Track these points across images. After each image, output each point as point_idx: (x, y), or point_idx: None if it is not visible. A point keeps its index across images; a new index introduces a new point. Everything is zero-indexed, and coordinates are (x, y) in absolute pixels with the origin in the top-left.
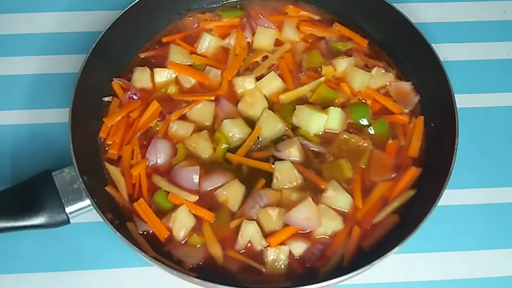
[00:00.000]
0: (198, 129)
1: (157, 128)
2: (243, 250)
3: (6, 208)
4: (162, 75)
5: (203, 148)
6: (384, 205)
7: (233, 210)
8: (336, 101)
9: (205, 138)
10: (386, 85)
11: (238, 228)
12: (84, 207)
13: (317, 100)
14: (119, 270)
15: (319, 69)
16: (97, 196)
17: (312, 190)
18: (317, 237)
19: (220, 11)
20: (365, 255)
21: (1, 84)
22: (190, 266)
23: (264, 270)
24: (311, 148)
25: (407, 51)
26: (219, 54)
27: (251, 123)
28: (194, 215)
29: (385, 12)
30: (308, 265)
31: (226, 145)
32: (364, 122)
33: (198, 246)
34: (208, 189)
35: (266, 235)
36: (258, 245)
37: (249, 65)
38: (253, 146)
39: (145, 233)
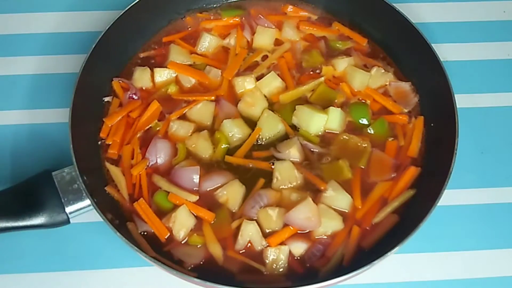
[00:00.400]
0: (198, 129)
1: (157, 128)
2: (243, 250)
3: (6, 208)
4: (162, 75)
5: (203, 148)
6: (384, 205)
7: (233, 210)
8: (336, 101)
9: (205, 138)
10: (386, 85)
11: (238, 228)
12: (84, 207)
13: (317, 100)
14: (119, 270)
15: (319, 69)
16: (97, 196)
17: (312, 190)
18: (317, 237)
19: (220, 11)
20: (365, 255)
21: (1, 84)
22: (191, 266)
23: (264, 270)
24: (311, 149)
25: (407, 51)
26: (219, 54)
27: (251, 123)
28: (194, 215)
29: (385, 12)
30: (308, 265)
31: (226, 145)
32: (364, 122)
33: (198, 246)
34: (208, 189)
35: (266, 235)
36: (258, 245)
37: (249, 64)
38: (253, 146)
39: (145, 233)
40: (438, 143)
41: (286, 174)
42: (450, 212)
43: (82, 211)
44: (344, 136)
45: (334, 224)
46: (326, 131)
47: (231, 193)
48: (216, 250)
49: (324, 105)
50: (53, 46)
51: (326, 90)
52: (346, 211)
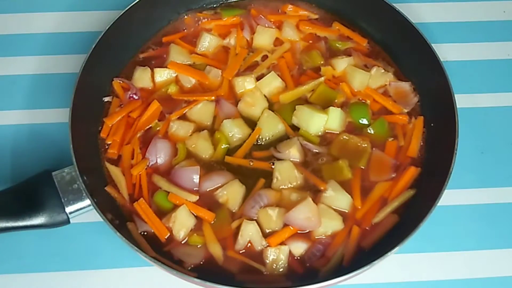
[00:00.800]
0: (198, 129)
1: (157, 128)
2: (243, 250)
3: (6, 208)
4: (163, 75)
5: (203, 148)
6: (383, 205)
7: (233, 210)
8: (336, 101)
9: (205, 138)
10: (386, 85)
11: (238, 228)
12: (84, 207)
13: (317, 100)
14: (119, 270)
15: (319, 69)
16: (97, 196)
17: (312, 190)
18: (317, 237)
19: (220, 10)
20: (365, 255)
21: (1, 84)
22: (191, 266)
23: (264, 270)
24: (311, 149)
25: (407, 51)
26: (219, 54)
27: (251, 123)
28: (194, 215)
29: (385, 12)
30: (308, 265)
31: (226, 145)
32: (364, 122)
33: (198, 246)
34: (208, 189)
35: (266, 235)
36: (258, 245)
37: (249, 64)
38: (253, 146)
39: (145, 233)
40: (438, 143)
41: (286, 174)
42: (450, 212)
43: (82, 211)
44: (344, 136)
45: (334, 224)
46: (326, 131)
47: (231, 193)
48: (216, 250)
49: (324, 105)
50: (53, 46)
51: (326, 90)
52: (346, 211)
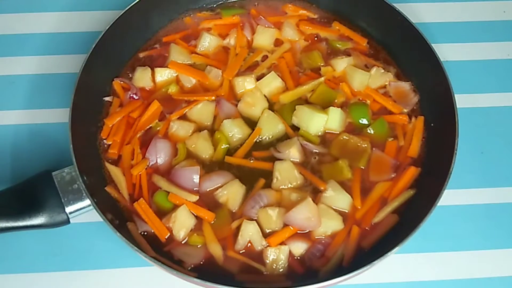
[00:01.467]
0: (199, 129)
1: (158, 128)
2: (243, 250)
3: (6, 208)
4: (163, 75)
5: (203, 148)
6: (383, 205)
7: (233, 210)
8: (336, 101)
9: (205, 138)
10: (386, 85)
11: (238, 228)
12: (84, 207)
13: (317, 100)
14: (119, 270)
15: (319, 69)
16: (97, 196)
17: (311, 190)
18: (317, 237)
19: (220, 10)
20: (365, 255)
21: (1, 84)
22: (191, 266)
23: (264, 270)
24: (311, 149)
25: (407, 51)
26: (219, 54)
27: (251, 123)
28: (194, 215)
29: (385, 12)
30: (308, 265)
31: (226, 145)
32: (364, 122)
33: (198, 246)
34: (208, 189)
35: (266, 235)
36: (258, 245)
37: (249, 65)
38: (253, 146)
39: (145, 233)
40: (438, 143)
41: (286, 174)
42: (450, 212)
43: (82, 211)
44: (344, 136)
45: (334, 224)
46: (326, 131)
47: (231, 193)
48: (216, 250)
49: (324, 105)
50: (53, 46)
51: (326, 90)
52: (346, 211)
